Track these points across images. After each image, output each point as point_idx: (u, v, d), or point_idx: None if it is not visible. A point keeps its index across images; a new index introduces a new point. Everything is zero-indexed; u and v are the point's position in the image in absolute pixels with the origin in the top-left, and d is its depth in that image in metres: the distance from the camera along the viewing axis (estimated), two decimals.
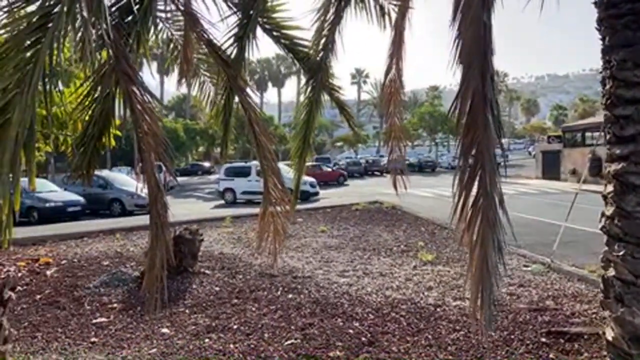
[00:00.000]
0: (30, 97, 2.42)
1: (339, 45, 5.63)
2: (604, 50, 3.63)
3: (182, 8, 4.62)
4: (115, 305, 6.56)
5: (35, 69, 2.46)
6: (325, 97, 6.16)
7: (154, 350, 5.01)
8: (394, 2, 5.87)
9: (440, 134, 61.62)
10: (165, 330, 5.58)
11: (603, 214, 3.68)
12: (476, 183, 2.76)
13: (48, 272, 8.44)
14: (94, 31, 2.66)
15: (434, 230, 12.45)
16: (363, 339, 5.18)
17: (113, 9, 3.77)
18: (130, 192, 20.09)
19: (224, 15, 4.53)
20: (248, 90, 4.67)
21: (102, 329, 5.65)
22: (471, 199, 2.81)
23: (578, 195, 8.75)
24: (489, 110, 2.68)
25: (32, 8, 2.60)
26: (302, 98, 6.37)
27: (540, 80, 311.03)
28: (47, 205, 17.98)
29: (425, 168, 48.22)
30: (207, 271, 8.24)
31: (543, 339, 5.05)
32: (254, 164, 22.49)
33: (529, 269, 8.19)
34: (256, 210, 5.29)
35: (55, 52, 2.53)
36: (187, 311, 6.25)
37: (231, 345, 5.06)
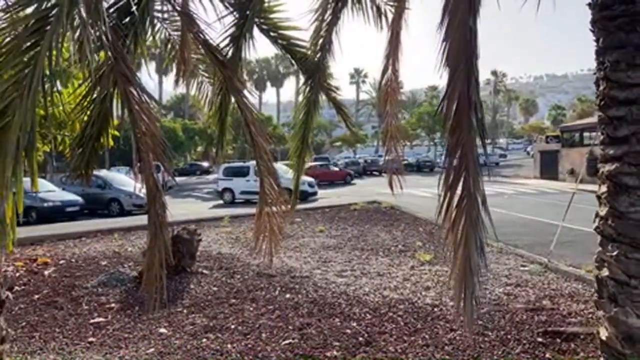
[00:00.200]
0: (31, 100, 2.43)
1: (336, 45, 5.67)
2: (597, 52, 3.66)
3: (178, 8, 4.64)
4: (113, 305, 6.57)
5: (35, 71, 2.47)
6: (323, 98, 6.19)
7: (152, 350, 5.02)
8: (391, 3, 5.89)
9: (438, 134, 61.67)
10: (163, 330, 5.60)
11: (597, 214, 3.70)
12: (460, 184, 2.82)
13: (46, 272, 8.45)
14: (92, 32, 2.67)
15: (432, 230, 12.47)
16: (360, 338, 5.20)
17: (111, 10, 3.79)
18: (128, 192, 20.10)
19: (221, 15, 4.55)
20: (244, 90, 4.68)
21: (99, 329, 5.66)
22: (456, 200, 2.87)
23: (576, 195, 8.78)
24: (473, 113, 2.74)
25: (30, 10, 2.61)
26: (300, 98, 6.40)
27: (539, 80, 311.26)
28: (46, 205, 17.96)
29: (423, 168, 48.27)
30: (205, 271, 8.26)
31: (539, 339, 5.08)
32: (253, 164, 22.47)
33: (527, 268, 8.22)
34: (254, 210, 5.32)
35: (55, 54, 2.54)
36: (184, 311, 6.27)
37: (229, 345, 5.08)
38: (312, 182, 24.63)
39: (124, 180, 22.00)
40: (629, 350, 3.38)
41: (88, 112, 4.16)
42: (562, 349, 4.83)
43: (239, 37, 4.59)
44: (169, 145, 3.49)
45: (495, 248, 9.78)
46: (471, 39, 2.73)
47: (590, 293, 6.51)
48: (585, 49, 4.11)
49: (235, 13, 4.67)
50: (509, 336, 5.19)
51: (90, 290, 7.26)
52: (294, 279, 7.69)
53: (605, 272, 3.57)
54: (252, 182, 21.47)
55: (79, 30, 2.69)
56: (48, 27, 2.50)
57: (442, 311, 6.03)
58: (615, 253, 3.46)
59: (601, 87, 3.63)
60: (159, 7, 4.82)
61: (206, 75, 6.19)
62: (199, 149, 61.76)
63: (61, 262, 9.33)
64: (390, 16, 5.95)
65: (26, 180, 3.01)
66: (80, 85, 4.61)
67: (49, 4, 2.58)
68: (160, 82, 68.86)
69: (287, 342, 5.15)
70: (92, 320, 5.97)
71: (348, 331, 5.42)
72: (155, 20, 5.10)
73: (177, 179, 41.02)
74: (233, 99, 4.77)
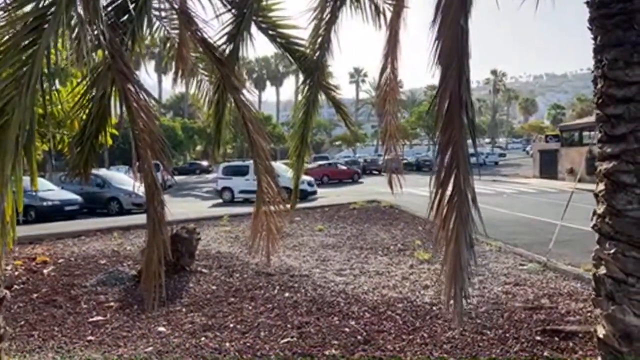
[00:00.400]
0: (29, 98, 2.44)
1: (335, 44, 5.68)
2: (595, 50, 3.66)
3: (176, 6, 4.64)
4: (112, 303, 6.57)
5: (33, 70, 2.48)
6: (323, 97, 6.19)
7: (150, 348, 5.02)
8: (389, 2, 5.89)
9: (438, 133, 61.55)
10: (161, 328, 5.60)
11: (594, 212, 3.71)
12: (451, 181, 2.86)
13: (45, 271, 8.45)
14: (89, 30, 2.67)
15: (431, 229, 12.46)
16: (359, 337, 5.21)
17: (109, 8, 3.79)
18: (127, 191, 20.11)
19: (219, 13, 4.54)
20: (242, 88, 4.68)
21: (98, 328, 5.67)
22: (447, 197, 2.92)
23: (575, 194, 8.79)
24: (464, 112, 2.77)
25: (28, 8, 2.61)
26: (299, 97, 6.40)
27: (539, 79, 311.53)
28: (45, 204, 17.97)
29: (423, 167, 48.25)
30: (204, 270, 8.26)
31: (538, 337, 5.08)
32: (252, 163, 22.54)
33: (525, 267, 8.23)
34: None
35: (53, 52, 2.54)
36: (183, 310, 6.27)
37: (227, 344, 5.08)
38: (311, 181, 24.66)
39: (123, 179, 22.00)
40: (626, 348, 3.39)
41: (86, 111, 4.16)
42: (561, 347, 4.85)
43: (236, 34, 4.59)
44: (167, 143, 3.50)
45: (494, 247, 9.79)
46: (463, 38, 2.75)
47: (589, 292, 6.52)
48: (585, 48, 4.11)
49: (233, 11, 4.67)
50: (507, 335, 5.19)
51: (89, 289, 7.27)
52: (293, 278, 7.70)
53: (602, 270, 3.57)
54: (252, 181, 21.32)
55: (76, 29, 2.69)
56: (46, 26, 2.50)
57: (441, 310, 6.04)
58: (612, 251, 3.46)
59: (599, 85, 3.63)
60: (156, 5, 4.81)
61: (205, 73, 6.18)
62: (199, 148, 61.79)
63: (60, 260, 9.33)
64: (388, 15, 5.95)
65: (25, 179, 3.01)
66: (78, 84, 4.61)
67: (47, 2, 2.59)
68: (160, 82, 68.85)
69: (285, 340, 5.15)
70: (90, 319, 5.97)
71: (347, 330, 5.43)
72: (154, 19, 5.10)
73: (177, 178, 41.08)
74: (231, 97, 4.77)
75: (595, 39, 3.67)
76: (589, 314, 5.75)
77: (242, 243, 10.83)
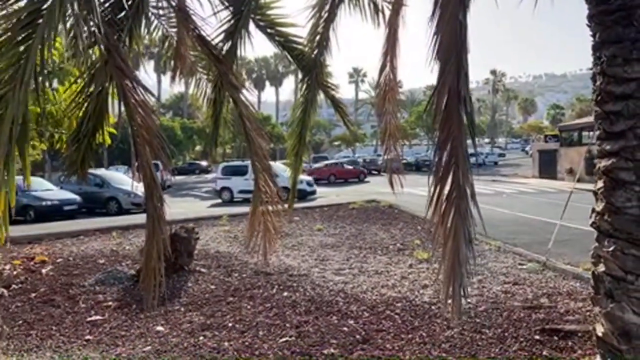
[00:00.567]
0: (23, 92, 2.42)
1: (333, 42, 5.66)
2: (594, 47, 3.65)
3: (173, 4, 4.63)
4: (110, 303, 6.55)
5: (27, 64, 2.46)
6: (321, 96, 6.18)
7: (149, 347, 5.00)
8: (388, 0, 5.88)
9: (437, 132, 61.54)
10: (160, 328, 5.58)
11: (593, 210, 3.70)
12: (450, 177, 2.85)
13: (43, 271, 8.43)
14: (84, 27, 2.66)
15: (430, 228, 12.41)
16: (357, 336, 5.19)
17: (106, 4, 3.77)
18: (126, 191, 20.09)
19: (217, 11, 4.53)
20: (240, 85, 4.67)
21: (96, 327, 5.65)
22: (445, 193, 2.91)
23: (574, 194, 8.78)
24: (462, 108, 2.75)
25: (23, 2, 2.60)
26: (298, 96, 6.39)
27: (538, 79, 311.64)
28: (43, 203, 17.96)
29: (422, 167, 48.21)
30: (202, 269, 8.24)
31: (537, 337, 5.07)
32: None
33: (524, 267, 8.22)
34: None
35: (47, 47, 2.52)
36: (182, 309, 6.25)
37: (226, 343, 5.07)
38: (310, 181, 24.66)
39: (122, 179, 21.98)
40: (625, 346, 3.38)
41: (83, 109, 4.14)
42: (560, 346, 4.83)
43: (234, 32, 4.58)
44: (165, 139, 3.48)
45: (494, 246, 9.78)
46: (461, 33, 2.74)
47: (588, 291, 6.50)
48: (584, 48, 4.10)
49: (230, 8, 4.65)
50: (506, 334, 5.18)
51: (87, 289, 7.25)
52: (292, 277, 7.68)
53: (601, 268, 3.56)
54: (251, 181, 21.19)
55: (71, 24, 2.67)
56: (40, 20, 2.48)
57: (440, 309, 6.02)
58: (611, 249, 3.45)
59: (598, 82, 3.62)
60: (154, 3, 4.80)
61: (204, 72, 6.17)
62: (198, 148, 61.75)
63: (59, 260, 9.31)
64: (387, 13, 5.94)
65: (22, 178, 2.99)
66: (75, 81, 4.59)
67: None
68: (159, 81, 68.83)
69: (284, 340, 5.13)
70: (89, 318, 5.95)
71: (345, 329, 5.41)
72: (152, 17, 5.09)
73: (176, 178, 41.06)
74: (229, 95, 4.75)
75: (594, 35, 3.66)
76: (588, 313, 5.73)
77: (241, 243, 10.81)
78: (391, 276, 7.72)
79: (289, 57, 5.69)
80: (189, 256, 8.24)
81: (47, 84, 2.93)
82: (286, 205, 5.94)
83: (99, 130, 4.35)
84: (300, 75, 6.24)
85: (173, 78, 5.92)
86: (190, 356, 4.79)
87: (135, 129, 3.24)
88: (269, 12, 5.16)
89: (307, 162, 38.89)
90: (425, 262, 8.62)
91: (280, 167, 18.74)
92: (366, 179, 38.41)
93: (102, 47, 3.16)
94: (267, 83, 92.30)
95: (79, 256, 9.68)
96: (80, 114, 4.21)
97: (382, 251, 9.78)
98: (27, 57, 2.43)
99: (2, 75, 2.46)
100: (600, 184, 3.61)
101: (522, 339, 5.01)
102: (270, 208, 4.96)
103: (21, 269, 8.57)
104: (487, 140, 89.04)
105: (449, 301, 2.94)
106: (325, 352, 4.81)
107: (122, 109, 3.44)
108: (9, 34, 2.48)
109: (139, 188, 3.45)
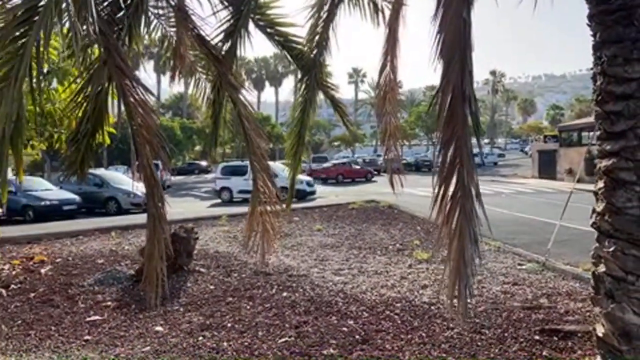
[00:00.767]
0: (17, 90, 2.41)
1: (333, 42, 5.65)
2: (595, 47, 3.64)
3: (172, 3, 4.61)
4: (109, 303, 6.54)
5: (22, 62, 2.45)
6: (321, 96, 6.17)
7: (148, 348, 4.99)
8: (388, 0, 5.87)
9: (437, 133, 61.52)
10: (159, 328, 5.57)
11: (594, 210, 3.68)
12: (454, 176, 2.83)
13: (42, 271, 8.41)
14: (80, 26, 2.64)
15: (429, 229, 12.44)
16: (357, 336, 5.18)
17: (105, 3, 3.76)
18: (126, 191, 20.08)
19: (216, 10, 4.52)
20: (239, 85, 4.66)
21: (95, 327, 5.63)
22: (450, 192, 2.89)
23: (574, 195, 8.77)
24: (467, 106, 2.73)
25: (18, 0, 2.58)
26: (297, 95, 6.38)
27: (537, 80, 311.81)
28: (43, 203, 17.95)
29: (422, 167, 48.24)
30: (202, 269, 8.23)
31: (537, 337, 5.06)
32: None
33: (524, 267, 8.21)
34: None
35: (43, 45, 2.51)
36: (181, 309, 6.24)
37: (225, 343, 5.05)
38: (310, 181, 24.67)
39: (122, 179, 21.97)
40: (625, 346, 3.37)
41: (82, 108, 4.12)
42: (560, 347, 4.82)
43: (233, 32, 4.56)
44: (164, 137, 3.47)
45: (493, 247, 9.77)
46: (465, 30, 2.72)
47: (588, 291, 6.49)
48: (584, 48, 4.09)
49: (230, 8, 4.64)
50: (506, 334, 5.17)
51: (86, 289, 7.23)
52: (291, 278, 7.67)
53: (602, 268, 3.55)
54: (250, 181, 21.41)
55: (67, 23, 2.65)
56: (36, 18, 2.47)
57: (439, 309, 6.01)
58: (612, 249, 3.44)
59: (598, 82, 3.61)
60: (154, 3, 4.79)
61: (203, 72, 6.16)
62: (197, 148, 61.69)
63: (58, 260, 9.30)
64: (387, 13, 5.93)
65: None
66: (74, 81, 4.58)
67: None
68: (159, 81, 68.83)
69: (283, 340, 5.12)
70: (88, 319, 5.94)
71: (345, 329, 5.40)
72: (152, 17, 5.07)
73: (175, 178, 40.99)
74: (228, 95, 4.74)
75: (594, 35, 3.65)
76: (587, 314, 5.73)
77: (240, 243, 10.79)
78: (390, 276, 7.71)
79: (288, 57, 5.68)
80: (188, 256, 8.23)
81: (46, 83, 2.91)
82: (284, 206, 5.92)
83: (98, 130, 4.33)
84: (299, 75, 6.23)
85: (172, 78, 5.92)
86: (190, 356, 4.78)
87: (135, 128, 3.22)
88: (268, 11, 5.16)
89: (306, 162, 39.01)
90: (425, 262, 8.61)
91: (279, 167, 18.73)
92: (373, 179, 38.68)
93: (101, 46, 3.15)
94: (267, 83, 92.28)
95: (78, 256, 9.67)
96: (80, 114, 4.20)
97: (381, 251, 9.77)
98: (22, 55, 2.42)
99: None
100: (600, 184, 3.60)
101: (521, 340, 5.01)
102: (268, 208, 4.94)
103: (20, 269, 8.55)
104: (486, 140, 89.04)
105: (454, 301, 2.92)
106: (324, 352, 4.80)
107: (122, 108, 3.44)
108: (4, 31, 2.47)
109: (139, 188, 3.44)
